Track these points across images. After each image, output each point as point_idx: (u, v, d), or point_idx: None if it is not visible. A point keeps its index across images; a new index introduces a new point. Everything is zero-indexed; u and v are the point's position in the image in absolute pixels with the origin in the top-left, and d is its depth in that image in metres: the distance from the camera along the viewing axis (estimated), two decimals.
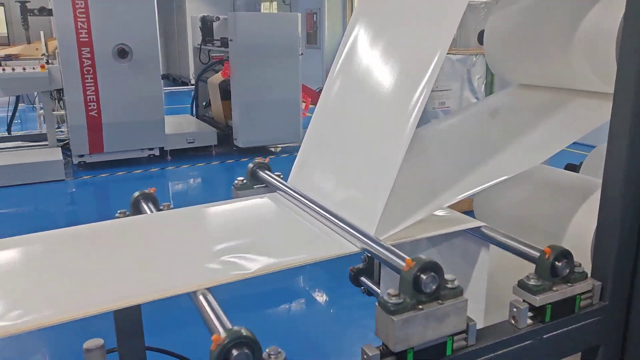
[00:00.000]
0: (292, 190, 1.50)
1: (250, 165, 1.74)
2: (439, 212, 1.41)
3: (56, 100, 6.95)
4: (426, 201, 1.34)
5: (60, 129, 7.65)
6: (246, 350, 0.87)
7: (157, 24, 6.70)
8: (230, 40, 7.00)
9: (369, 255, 1.25)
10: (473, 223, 1.34)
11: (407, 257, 1.05)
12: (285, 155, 7.59)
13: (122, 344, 1.64)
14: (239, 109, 7.14)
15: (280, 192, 1.56)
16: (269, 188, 1.65)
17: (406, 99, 1.25)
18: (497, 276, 1.40)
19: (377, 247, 1.14)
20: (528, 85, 1.81)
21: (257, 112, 7.10)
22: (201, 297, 1.02)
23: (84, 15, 6.26)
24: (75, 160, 6.72)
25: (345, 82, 1.48)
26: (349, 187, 1.34)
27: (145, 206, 1.55)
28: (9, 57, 6.66)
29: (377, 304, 1.00)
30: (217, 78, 7.79)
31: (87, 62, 6.39)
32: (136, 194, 1.60)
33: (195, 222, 1.46)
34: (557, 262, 1.16)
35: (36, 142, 7.24)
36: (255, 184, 1.71)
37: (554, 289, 1.16)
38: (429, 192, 1.38)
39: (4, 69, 6.28)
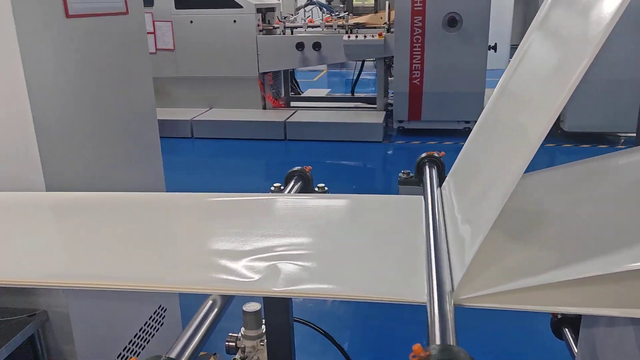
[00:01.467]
0: (431, 197, 1.17)
1: (422, 155, 1.45)
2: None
3: (389, 67, 7.39)
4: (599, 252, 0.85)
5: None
6: None
7: None
8: None
9: None
10: None
11: (448, 341, 0.68)
12: (624, 147, 6.28)
13: (269, 314, 1.64)
14: None
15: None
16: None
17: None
18: None
19: (435, 309, 0.77)
20: None
21: (592, 91, 6.01)
22: (209, 303, 0.89)
23: None
24: (395, 125, 7.09)
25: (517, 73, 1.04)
26: (467, 214, 0.96)
27: (293, 184, 1.47)
28: (357, 25, 7.36)
29: None
30: None
31: (417, 31, 6.54)
32: (295, 168, 1.53)
33: (308, 212, 1.29)
34: None
35: (372, 104, 7.92)
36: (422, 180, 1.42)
37: None
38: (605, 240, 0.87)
39: (349, 36, 6.99)
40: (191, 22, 7.25)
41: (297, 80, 9.06)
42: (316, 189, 1.49)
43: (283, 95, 8.19)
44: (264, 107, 7.66)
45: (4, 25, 1.52)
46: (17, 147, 1.66)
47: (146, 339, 2.41)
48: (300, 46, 7.13)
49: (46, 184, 1.69)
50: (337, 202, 1.31)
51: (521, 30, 14.68)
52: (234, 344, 1.68)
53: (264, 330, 1.68)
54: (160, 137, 2.49)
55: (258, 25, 7.26)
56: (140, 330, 2.34)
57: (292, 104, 8.20)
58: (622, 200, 1.00)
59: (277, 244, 1.07)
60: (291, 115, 7.27)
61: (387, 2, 7.28)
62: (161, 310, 2.54)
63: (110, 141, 2.08)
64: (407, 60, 6.67)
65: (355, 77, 8.40)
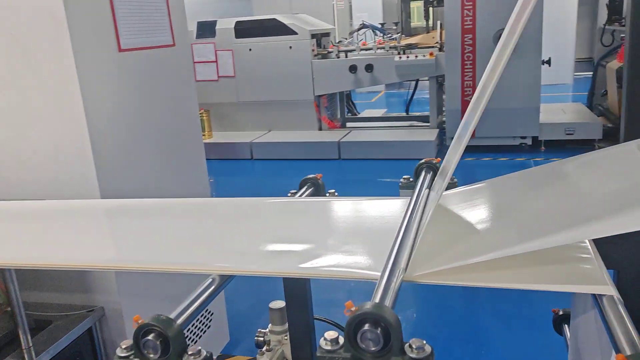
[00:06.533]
0: (416, 197, 1.31)
1: (420, 162, 1.59)
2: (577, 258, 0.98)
3: (441, 86, 7.46)
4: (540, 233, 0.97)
5: None
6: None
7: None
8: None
9: None
10: (586, 286, 0.88)
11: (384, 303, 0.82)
12: None
13: (291, 312, 1.80)
14: (629, 98, 6.01)
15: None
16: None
17: None
18: None
19: (383, 281, 0.91)
20: None
21: None
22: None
23: (471, 3, 6.45)
24: (448, 142, 7.12)
25: None
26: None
27: (305, 189, 1.64)
28: (410, 46, 7.50)
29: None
30: (616, 63, 6.75)
31: (468, 49, 6.60)
32: (309, 176, 1.70)
33: (314, 213, 1.45)
34: None
35: (426, 122, 7.98)
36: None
37: None
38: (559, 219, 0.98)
39: (400, 57, 7.14)
40: (250, 50, 7.66)
41: (354, 101, 9.28)
42: (327, 194, 1.65)
43: (339, 116, 8.42)
44: (320, 129, 7.90)
45: (65, 58, 1.82)
46: (75, 162, 1.94)
47: (193, 339, 2.63)
48: (353, 69, 7.36)
49: (101, 194, 1.96)
50: (341, 204, 1.47)
51: (585, 43, 14.21)
52: (262, 338, 1.86)
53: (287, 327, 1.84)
54: (222, 159, 2.75)
55: (313, 50, 7.56)
56: (186, 330, 2.56)
57: (348, 124, 8.41)
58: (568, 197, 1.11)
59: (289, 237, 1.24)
60: (345, 135, 7.47)
61: (438, 22, 7.39)
62: (208, 314, 2.77)
63: (159, 156, 2.34)
64: (459, 77, 6.73)
65: (409, 97, 8.51)
